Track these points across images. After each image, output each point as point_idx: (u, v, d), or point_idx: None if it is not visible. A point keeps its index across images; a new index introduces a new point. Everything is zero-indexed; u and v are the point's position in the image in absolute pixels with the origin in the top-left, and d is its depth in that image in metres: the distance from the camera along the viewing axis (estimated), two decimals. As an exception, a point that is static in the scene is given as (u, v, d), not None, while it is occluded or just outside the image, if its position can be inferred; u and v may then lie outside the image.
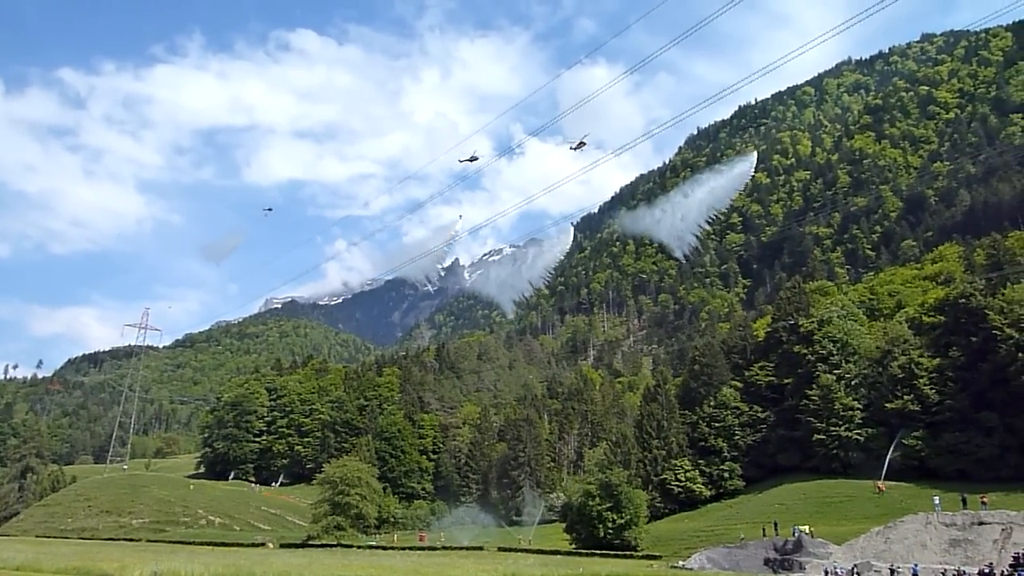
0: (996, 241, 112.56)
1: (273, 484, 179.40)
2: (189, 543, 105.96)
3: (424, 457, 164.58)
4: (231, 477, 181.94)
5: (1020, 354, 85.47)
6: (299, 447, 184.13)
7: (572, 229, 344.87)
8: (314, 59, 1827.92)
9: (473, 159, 68.36)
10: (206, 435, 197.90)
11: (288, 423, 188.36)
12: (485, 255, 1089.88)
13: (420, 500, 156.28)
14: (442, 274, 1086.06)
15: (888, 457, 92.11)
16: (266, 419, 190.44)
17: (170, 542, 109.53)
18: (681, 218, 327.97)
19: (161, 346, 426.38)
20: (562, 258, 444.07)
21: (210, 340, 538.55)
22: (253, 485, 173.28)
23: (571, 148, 64.43)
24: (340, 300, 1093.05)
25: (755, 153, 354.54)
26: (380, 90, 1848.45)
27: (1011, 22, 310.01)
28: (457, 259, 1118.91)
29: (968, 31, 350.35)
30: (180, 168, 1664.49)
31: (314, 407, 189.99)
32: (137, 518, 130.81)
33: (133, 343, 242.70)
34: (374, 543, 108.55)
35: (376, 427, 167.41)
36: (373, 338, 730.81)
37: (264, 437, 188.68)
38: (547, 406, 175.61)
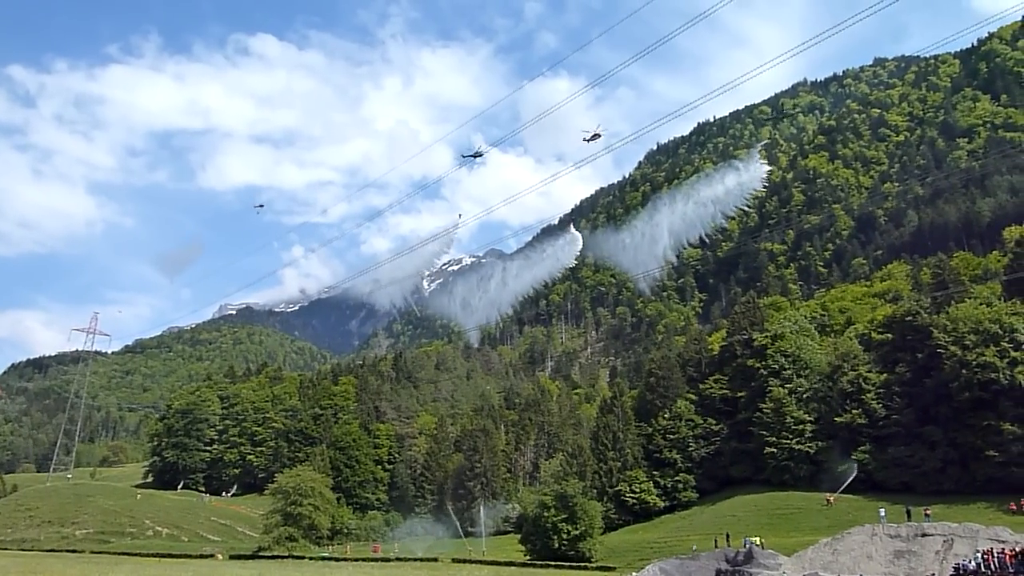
0: (942, 261, 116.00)
1: (224, 494, 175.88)
2: (134, 554, 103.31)
3: (379, 467, 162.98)
4: (180, 487, 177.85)
5: (963, 371, 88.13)
6: (251, 456, 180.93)
7: (580, 238, 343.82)
8: (274, 64, 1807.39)
9: (477, 155, 68.10)
10: (155, 444, 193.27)
11: (240, 432, 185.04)
12: (444, 265, 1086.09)
13: (375, 511, 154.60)
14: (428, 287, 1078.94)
15: (853, 476, 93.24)
16: (218, 428, 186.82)
17: (115, 553, 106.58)
18: (650, 242, 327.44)
19: (110, 352, 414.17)
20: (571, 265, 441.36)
21: (161, 346, 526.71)
22: (203, 495, 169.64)
23: (586, 140, 64.34)
24: (297, 307, 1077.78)
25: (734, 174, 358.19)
26: (341, 97, 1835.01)
27: (958, 50, 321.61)
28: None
29: (918, 57, 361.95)
30: (133, 170, 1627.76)
31: (267, 416, 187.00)
32: (81, 529, 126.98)
33: (81, 348, 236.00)
34: (327, 554, 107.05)
35: (331, 436, 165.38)
36: (330, 346, 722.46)
37: (215, 446, 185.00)
38: (504, 417, 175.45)
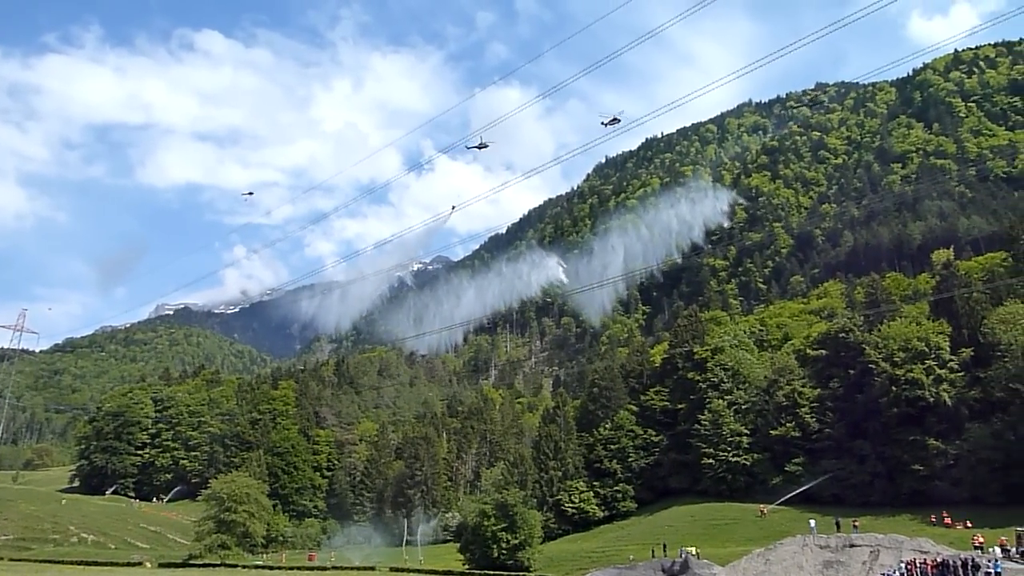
0: (874, 281, 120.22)
1: (155, 500, 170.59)
2: (57, 562, 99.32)
3: (318, 474, 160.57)
4: (109, 492, 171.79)
5: (893, 387, 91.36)
6: (185, 461, 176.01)
7: (560, 270, 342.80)
8: (219, 61, 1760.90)
9: (482, 146, 67.14)
10: (83, 447, 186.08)
11: (174, 436, 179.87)
12: (390, 270, 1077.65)
13: (312, 518, 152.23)
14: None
15: (807, 488, 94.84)
16: (150, 431, 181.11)
17: (36, 561, 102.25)
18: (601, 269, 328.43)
19: (38, 350, 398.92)
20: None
21: (93, 346, 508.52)
22: (133, 501, 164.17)
23: (603, 124, 64.11)
24: (237, 309, 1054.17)
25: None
26: (288, 97, 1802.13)
27: (895, 78, 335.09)
28: (362, 273, 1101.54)
29: (857, 84, 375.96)
30: (68, 163, 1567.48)
31: (203, 420, 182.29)
32: (0, 534, 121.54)
33: (6, 346, 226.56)
34: (260, 562, 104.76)
35: (269, 442, 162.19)
36: (270, 350, 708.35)
37: (147, 450, 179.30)
38: (446, 425, 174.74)
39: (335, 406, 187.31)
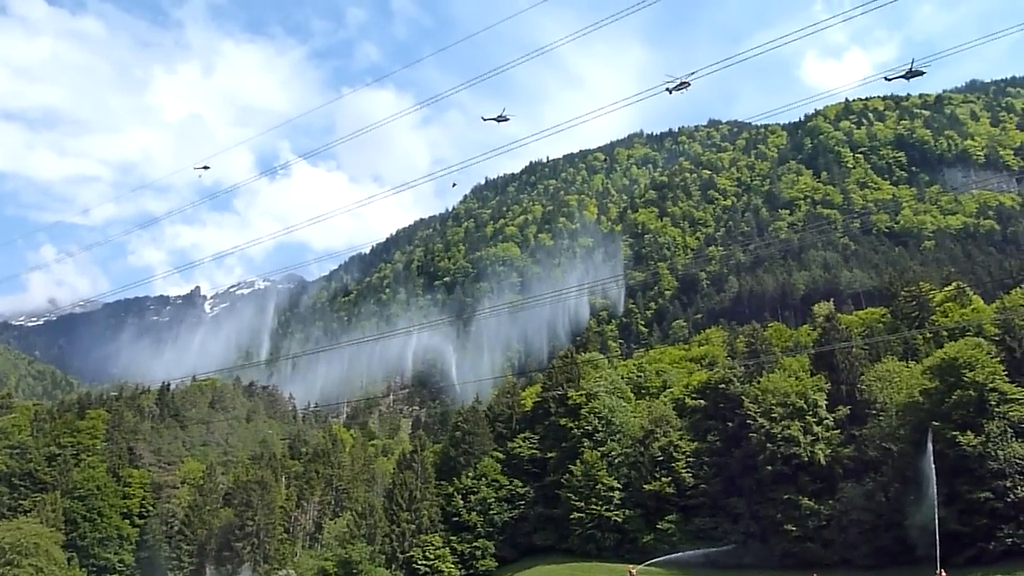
0: (756, 330, 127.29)
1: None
2: None
3: (127, 522, 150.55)
4: None
5: (769, 444, 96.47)
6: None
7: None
8: (39, 30, 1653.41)
9: (502, 119, 62.45)
10: None
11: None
12: (232, 287, 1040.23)
13: (116, 575, 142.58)
14: (178, 302, 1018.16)
15: (682, 554, 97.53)
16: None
17: None
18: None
19: None
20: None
21: None
22: None
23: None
24: (42, 321, 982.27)
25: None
26: (122, 77, 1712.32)
27: (787, 122, 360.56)
28: (198, 288, 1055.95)
29: (750, 124, 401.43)
30: None
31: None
32: None
33: None
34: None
35: (69, 482, 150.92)
36: (80, 372, 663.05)
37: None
38: (287, 468, 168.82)
39: (154, 442, 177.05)
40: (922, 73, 46.86)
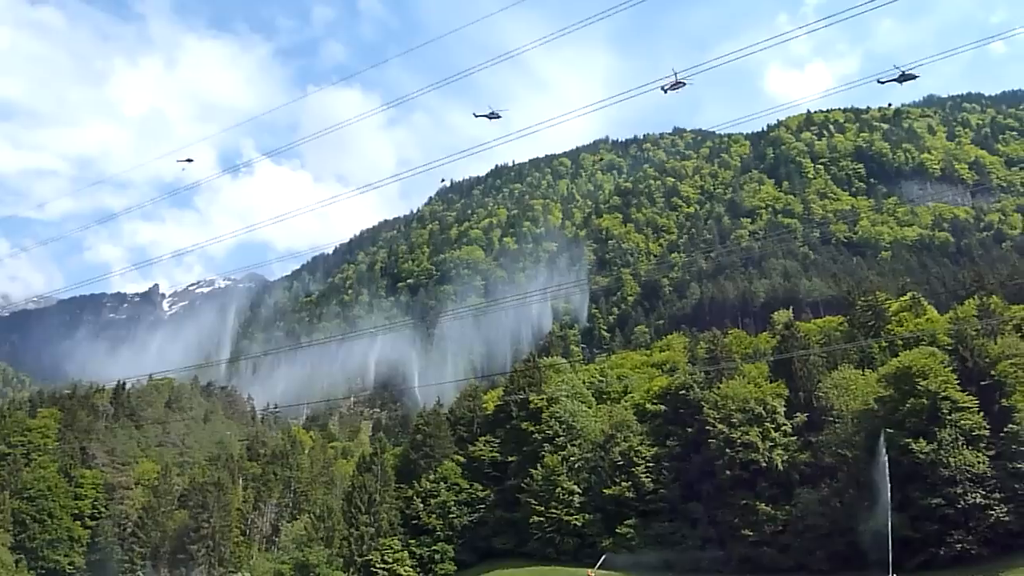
0: (716, 336, 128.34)
1: None
2: None
3: (79, 524, 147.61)
4: None
5: (728, 449, 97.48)
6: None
7: None
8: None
9: (494, 116, 60.83)
10: None
11: None
12: (191, 285, 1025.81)
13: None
14: (136, 299, 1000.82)
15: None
16: None
17: None
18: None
19: None
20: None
21: None
22: None
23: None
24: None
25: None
26: (82, 70, 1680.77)
27: (750, 132, 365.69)
28: (156, 285, 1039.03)
29: (714, 133, 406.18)
30: None
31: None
32: None
33: None
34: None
35: (18, 483, 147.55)
36: (32, 370, 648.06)
37: None
38: (245, 469, 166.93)
39: (108, 442, 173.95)
40: (915, 77, 46.93)
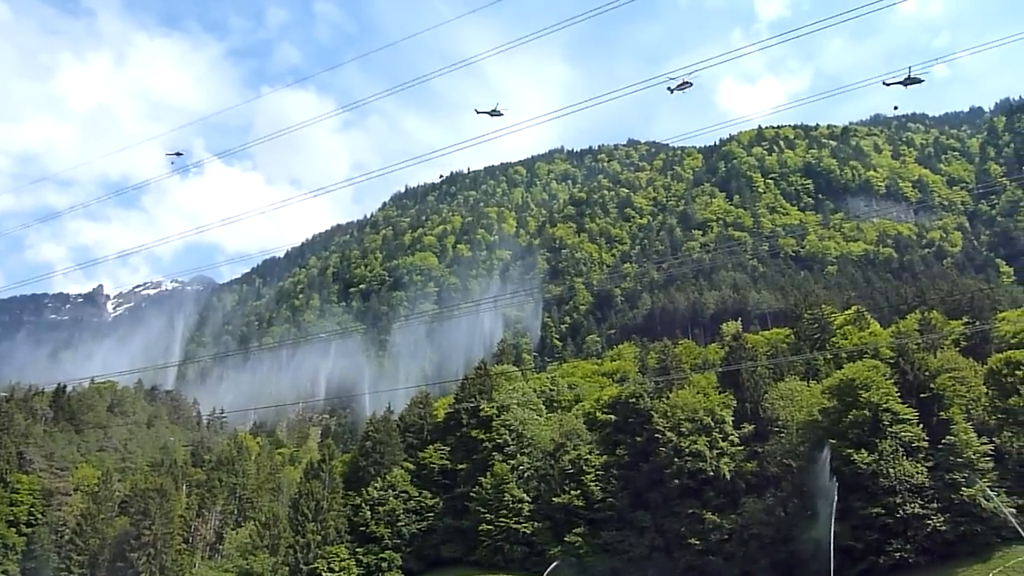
0: (666, 346, 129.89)
1: None
2: None
3: (13, 530, 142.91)
4: None
5: (676, 458, 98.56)
6: None
7: None
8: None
9: (495, 113, 58.82)
10: None
11: None
12: (137, 287, 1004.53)
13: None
14: (79, 300, 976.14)
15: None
16: None
17: None
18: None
19: None
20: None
21: None
22: None
23: (670, 90, 55.22)
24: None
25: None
26: (27, 63, 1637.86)
27: (702, 145, 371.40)
28: (100, 286, 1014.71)
29: (667, 145, 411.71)
30: None
31: None
32: None
33: None
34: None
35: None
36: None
37: None
38: (189, 476, 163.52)
39: (47, 446, 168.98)
40: (921, 80, 46.69)
